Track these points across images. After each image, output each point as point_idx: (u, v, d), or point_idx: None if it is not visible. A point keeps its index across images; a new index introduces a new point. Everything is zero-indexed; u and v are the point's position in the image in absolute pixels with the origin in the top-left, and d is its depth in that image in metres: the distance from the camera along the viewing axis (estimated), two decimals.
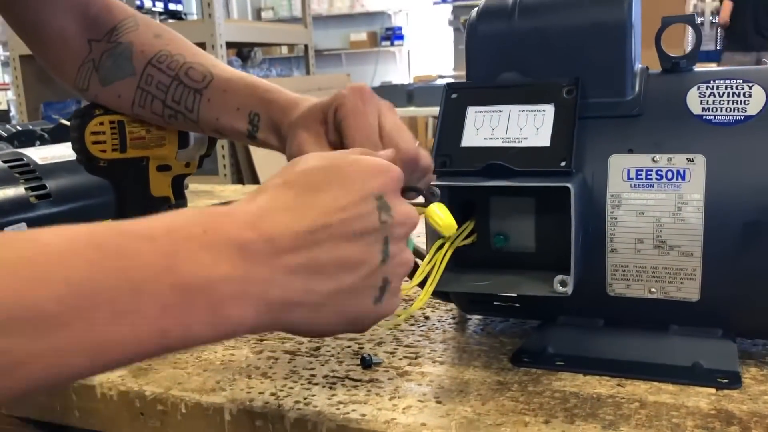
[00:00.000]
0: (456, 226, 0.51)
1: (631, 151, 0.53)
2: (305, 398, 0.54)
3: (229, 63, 2.99)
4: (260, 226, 0.37)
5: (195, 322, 0.33)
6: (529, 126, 0.54)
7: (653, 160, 0.52)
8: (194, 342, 0.34)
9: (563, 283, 0.50)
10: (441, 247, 0.54)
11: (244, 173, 2.81)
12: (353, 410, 0.52)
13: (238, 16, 7.50)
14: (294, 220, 0.38)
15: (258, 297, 0.36)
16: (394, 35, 7.63)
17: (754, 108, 0.51)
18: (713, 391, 0.52)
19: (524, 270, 0.55)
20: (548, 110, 0.54)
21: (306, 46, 3.36)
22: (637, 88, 0.55)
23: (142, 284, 0.31)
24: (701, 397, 0.51)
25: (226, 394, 0.56)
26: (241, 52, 4.70)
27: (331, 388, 0.56)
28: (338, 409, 0.52)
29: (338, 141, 0.57)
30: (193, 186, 1.87)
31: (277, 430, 0.53)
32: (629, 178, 0.52)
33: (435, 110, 4.59)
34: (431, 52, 7.50)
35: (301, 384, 0.57)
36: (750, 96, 0.51)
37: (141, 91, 0.62)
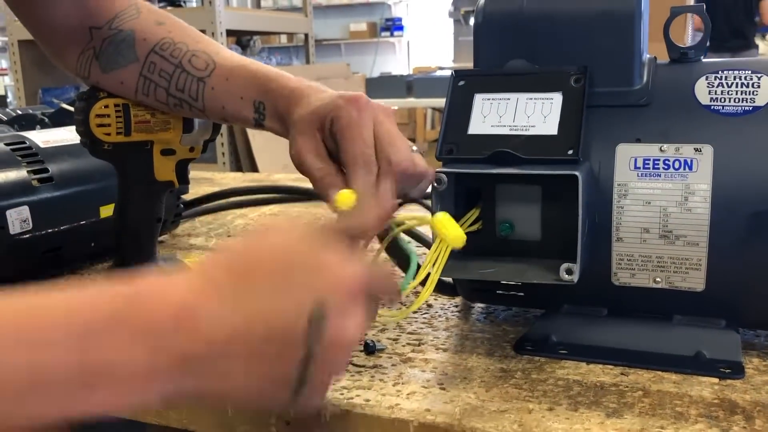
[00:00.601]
0: (465, 238, 0.51)
1: (639, 141, 0.53)
2: None
3: None
4: (211, 336, 0.35)
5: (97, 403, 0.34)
6: (536, 114, 0.54)
7: (661, 150, 0.52)
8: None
9: (569, 272, 0.50)
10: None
11: (243, 161, 2.80)
12: (357, 395, 0.52)
13: (237, 5, 7.48)
14: (214, 327, 0.35)
15: (159, 390, 0.35)
16: (393, 26, 7.61)
17: (762, 98, 0.51)
18: (716, 380, 0.52)
19: (529, 258, 0.55)
20: (556, 98, 0.54)
21: (306, 35, 3.35)
22: (645, 78, 0.54)
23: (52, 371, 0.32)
24: (704, 387, 0.51)
25: None
26: (240, 40, 4.68)
27: None
28: (342, 394, 0.52)
29: (335, 149, 0.57)
30: (192, 173, 1.87)
31: (282, 416, 0.53)
32: (636, 168, 0.52)
33: (434, 101, 4.59)
34: (431, 43, 7.49)
35: None
36: (758, 86, 0.51)
37: (144, 79, 0.62)
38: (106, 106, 0.61)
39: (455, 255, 0.55)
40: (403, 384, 0.53)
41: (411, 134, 6.65)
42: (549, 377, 0.54)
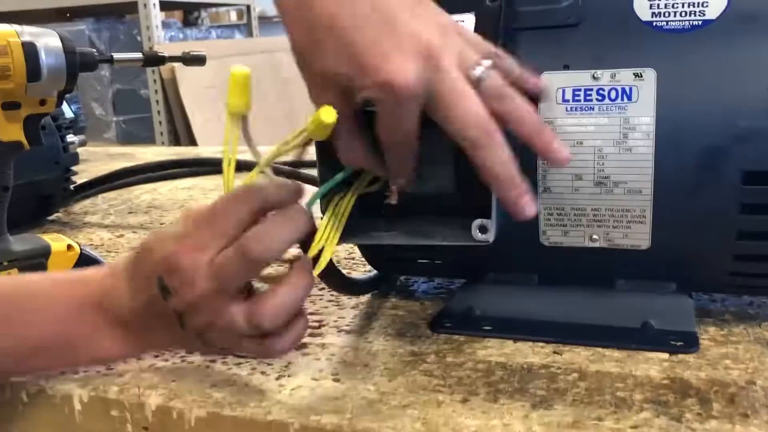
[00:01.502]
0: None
1: (567, 68, 0.43)
2: (174, 380, 0.44)
3: (166, 25, 2.82)
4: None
5: None
6: None
7: (593, 77, 0.42)
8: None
9: (483, 229, 0.41)
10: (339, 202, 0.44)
11: (183, 141, 2.66)
12: (229, 394, 0.42)
13: None
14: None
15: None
16: None
17: (714, 11, 0.41)
18: (666, 356, 0.43)
19: (442, 217, 0.46)
20: (468, 20, 0.44)
21: (248, 7, 3.21)
22: None
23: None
24: (651, 364, 0.42)
25: (78, 378, 0.45)
26: (188, 17, 4.52)
27: (207, 367, 0.45)
28: (210, 392, 0.42)
29: None
30: (114, 149, 1.74)
31: (138, 422, 0.43)
32: (564, 100, 0.43)
33: None
34: None
35: (173, 362, 0.46)
36: None
37: None
38: None
39: (356, 216, 0.45)
40: (288, 377, 0.43)
41: None
42: (467, 360, 0.44)
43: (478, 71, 0.37)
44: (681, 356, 0.43)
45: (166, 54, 0.63)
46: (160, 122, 2.65)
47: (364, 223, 0.46)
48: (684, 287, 0.46)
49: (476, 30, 0.44)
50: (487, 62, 0.37)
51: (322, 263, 0.42)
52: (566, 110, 0.43)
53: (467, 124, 0.36)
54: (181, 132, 2.71)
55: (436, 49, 0.36)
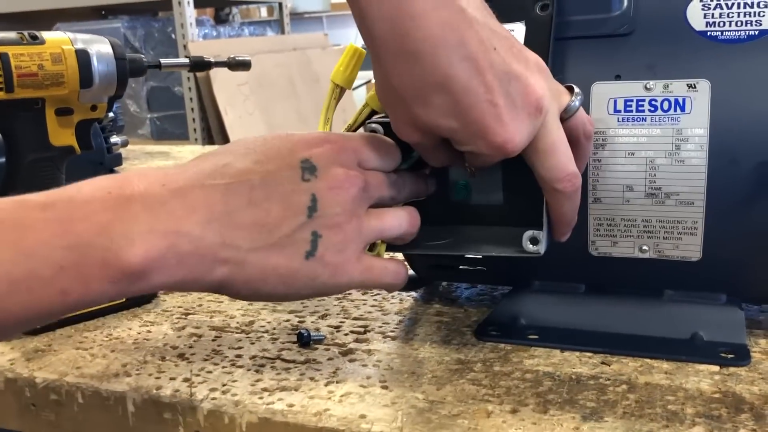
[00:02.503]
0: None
1: (619, 78, 0.43)
2: (224, 384, 0.45)
3: (199, 23, 2.85)
4: (170, 181, 0.36)
5: (93, 280, 0.33)
6: None
7: (646, 88, 0.42)
8: (97, 298, 0.34)
9: (534, 241, 0.41)
10: None
11: (216, 138, 2.69)
12: (279, 399, 0.42)
13: None
14: (208, 177, 0.37)
15: (165, 250, 0.34)
16: None
17: None
18: (716, 368, 0.43)
19: (490, 227, 0.46)
20: (518, 29, 0.44)
21: (280, 4, 3.22)
22: (626, 2, 0.44)
23: (34, 250, 0.32)
24: (702, 377, 0.42)
25: (130, 381, 0.46)
26: (219, 13, 4.58)
27: (257, 371, 0.46)
28: (261, 398, 0.43)
29: None
30: (150, 147, 1.76)
31: (190, 425, 0.43)
32: (616, 111, 0.42)
33: None
34: None
35: (223, 367, 0.47)
36: (766, 6, 0.41)
37: None
38: None
39: None
40: (337, 383, 0.44)
41: None
42: (515, 369, 0.44)
43: (572, 107, 0.39)
44: (732, 369, 0.43)
45: (212, 59, 0.63)
46: (193, 119, 2.68)
47: None
48: (734, 299, 0.46)
49: (526, 40, 0.44)
50: (576, 98, 0.39)
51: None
52: (618, 121, 0.42)
53: (562, 182, 0.38)
54: (213, 129, 2.73)
55: (543, 101, 0.37)
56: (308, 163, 0.39)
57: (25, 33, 0.53)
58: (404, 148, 0.43)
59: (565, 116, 0.38)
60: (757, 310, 0.50)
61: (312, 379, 0.45)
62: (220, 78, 2.63)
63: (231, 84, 2.68)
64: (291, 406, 0.42)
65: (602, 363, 0.44)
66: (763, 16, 0.41)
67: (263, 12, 7.81)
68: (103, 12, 2.99)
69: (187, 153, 1.42)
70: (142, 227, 0.34)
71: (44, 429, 0.48)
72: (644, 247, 0.44)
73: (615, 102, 0.42)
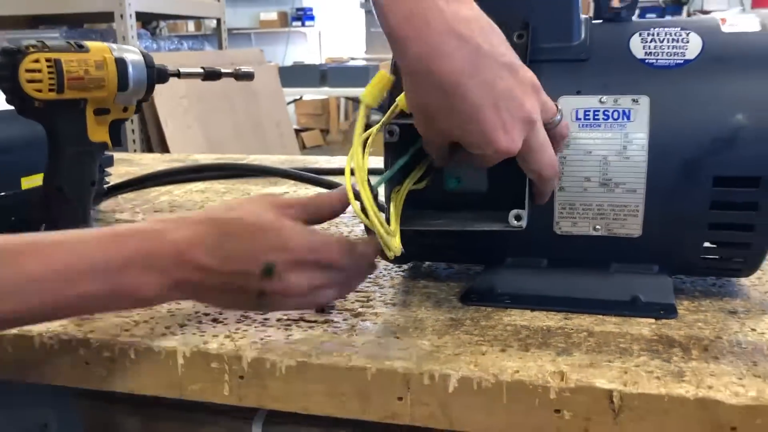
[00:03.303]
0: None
1: (580, 93, 0.55)
2: (261, 339, 0.54)
3: (140, 36, 2.88)
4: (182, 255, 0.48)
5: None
6: None
7: (600, 101, 0.54)
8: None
9: (518, 217, 0.52)
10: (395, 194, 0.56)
11: (155, 150, 2.72)
12: (313, 346, 0.52)
13: None
14: (202, 256, 0.48)
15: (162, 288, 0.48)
16: (305, 15, 7.54)
17: (692, 52, 0.54)
18: (653, 321, 0.55)
19: (476, 211, 0.57)
20: None
21: (218, 20, 3.28)
22: (583, 35, 0.57)
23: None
24: (643, 326, 0.54)
25: (177, 338, 0.54)
26: (146, 26, 4.56)
27: (287, 329, 0.55)
28: (297, 346, 0.52)
29: None
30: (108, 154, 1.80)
31: (235, 372, 0.52)
32: (578, 119, 0.54)
33: (348, 91, 4.57)
34: (343, 34, 7.47)
35: (255, 327, 0.56)
36: (688, 42, 0.54)
37: None
38: (37, 61, 0.57)
39: (406, 209, 0.56)
40: (357, 335, 0.54)
41: (324, 125, 6.62)
42: (497, 324, 0.55)
43: (556, 120, 0.51)
44: (664, 321, 0.55)
45: (222, 70, 0.72)
46: (132, 130, 2.70)
47: (413, 214, 0.57)
48: (664, 269, 0.58)
49: None
50: (559, 113, 0.51)
51: (398, 240, 0.52)
52: (579, 126, 0.54)
53: (546, 170, 0.50)
54: (153, 140, 2.76)
55: (534, 116, 0.48)
56: (269, 267, 0.49)
57: (72, 42, 0.61)
58: (403, 147, 0.54)
59: (550, 127, 0.50)
60: (678, 281, 0.63)
61: (335, 333, 0.54)
62: (161, 90, 2.66)
63: (173, 96, 2.73)
64: (322, 351, 0.51)
65: (565, 318, 0.56)
66: (686, 48, 0.54)
67: (191, 26, 7.78)
68: (40, 23, 2.97)
69: (149, 160, 1.48)
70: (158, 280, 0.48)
71: (96, 384, 0.56)
72: (597, 226, 0.56)
73: (577, 111, 0.54)
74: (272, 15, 7.60)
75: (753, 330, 0.53)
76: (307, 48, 7.64)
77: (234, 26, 7.18)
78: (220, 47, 3.35)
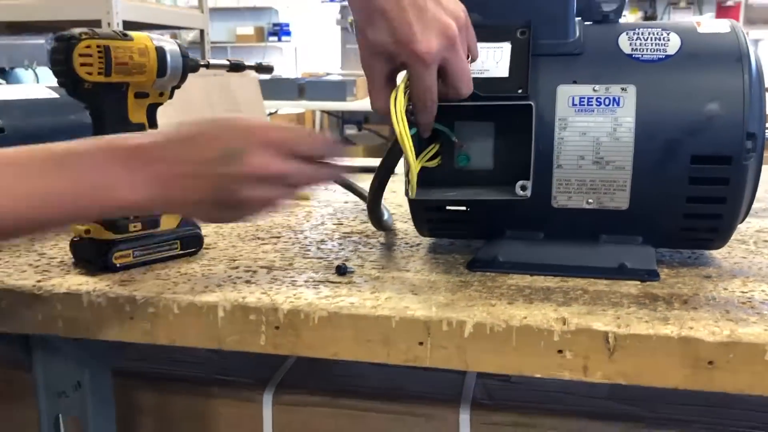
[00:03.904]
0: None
1: (575, 83, 0.62)
2: (294, 294, 0.60)
3: None
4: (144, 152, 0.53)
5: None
6: (489, 60, 0.63)
7: (594, 90, 0.62)
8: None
9: (524, 188, 0.59)
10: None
11: None
12: (341, 301, 0.58)
13: None
14: (166, 156, 0.53)
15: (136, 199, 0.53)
16: (281, 31, 7.62)
17: (672, 49, 0.62)
18: (638, 283, 0.63)
19: (484, 186, 0.64)
20: (505, 47, 0.63)
21: (202, 32, 3.33)
22: (578, 33, 0.65)
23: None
24: (630, 287, 0.62)
25: (217, 294, 0.60)
26: None
27: (315, 287, 0.62)
28: (326, 299, 0.59)
29: None
30: None
31: (271, 322, 0.58)
32: (574, 105, 0.62)
33: (325, 104, 4.61)
34: (319, 50, 7.56)
35: (287, 286, 0.62)
36: (668, 40, 0.63)
37: None
38: (89, 47, 0.63)
39: (419, 185, 0.63)
40: (379, 292, 0.60)
41: None
42: (503, 284, 0.62)
43: (472, 48, 0.59)
44: (648, 283, 0.63)
45: (245, 62, 0.79)
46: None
47: (428, 190, 0.64)
48: (648, 240, 0.66)
49: (511, 55, 0.63)
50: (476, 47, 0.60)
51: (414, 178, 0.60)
52: (575, 111, 0.62)
53: (466, 87, 0.58)
54: None
55: (453, 34, 0.56)
56: (229, 152, 0.53)
57: (118, 31, 0.67)
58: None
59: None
60: (660, 253, 0.71)
61: (359, 291, 0.61)
62: None
63: None
64: (352, 303, 0.58)
65: (561, 281, 0.63)
66: (667, 46, 0.62)
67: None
68: (23, 30, 3.00)
69: None
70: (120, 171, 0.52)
71: (140, 337, 0.62)
72: (590, 200, 0.64)
73: (573, 98, 0.62)
74: (249, 30, 7.66)
75: (725, 289, 0.61)
76: (283, 62, 7.71)
77: (212, 39, 7.22)
78: (203, 57, 3.39)
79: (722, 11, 5.76)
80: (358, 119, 6.08)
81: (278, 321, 0.58)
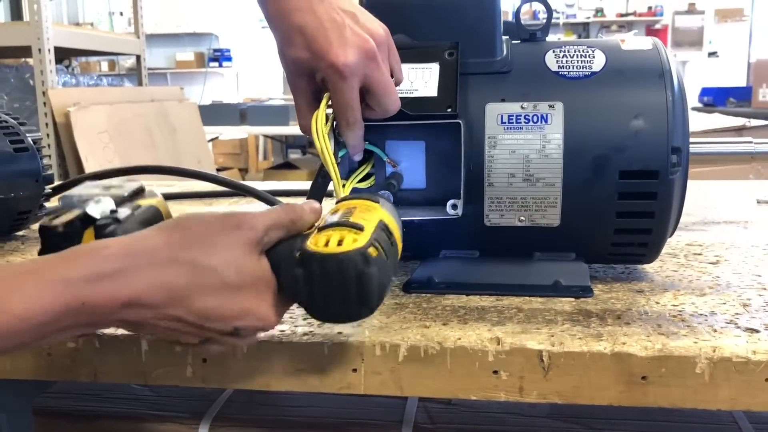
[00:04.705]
0: None
1: (504, 100, 0.62)
2: None
3: (59, 71, 2.85)
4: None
5: None
6: (418, 80, 0.62)
7: (522, 107, 0.62)
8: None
9: (454, 206, 0.59)
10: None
11: (70, 168, 2.67)
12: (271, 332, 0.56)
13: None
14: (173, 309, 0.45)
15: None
16: (222, 56, 7.58)
17: (597, 66, 0.63)
18: (572, 300, 0.62)
19: (416, 206, 0.63)
20: (434, 68, 0.63)
21: (138, 57, 3.28)
22: (505, 51, 0.65)
23: None
24: (564, 304, 0.61)
25: None
26: (57, 65, 4.48)
27: None
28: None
29: None
30: None
31: (198, 354, 0.56)
32: (503, 122, 0.62)
33: (268, 129, 4.62)
34: (260, 75, 7.54)
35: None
36: (594, 57, 0.63)
37: None
38: None
39: None
40: (311, 319, 0.58)
41: (243, 164, 6.61)
42: (437, 305, 0.61)
43: (396, 69, 0.59)
44: (582, 299, 0.62)
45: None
46: (50, 165, 2.65)
47: None
48: (580, 256, 0.66)
49: (440, 75, 0.63)
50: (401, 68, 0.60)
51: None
52: (504, 129, 0.62)
53: (392, 104, 0.58)
54: (72, 174, 2.72)
55: (371, 48, 0.56)
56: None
57: None
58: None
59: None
60: (593, 269, 0.71)
61: (290, 317, 0.59)
62: (80, 124, 2.64)
63: (92, 131, 2.70)
64: (282, 331, 0.56)
65: (497, 300, 0.63)
66: (592, 63, 0.63)
67: (104, 66, 7.66)
68: None
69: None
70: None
71: (60, 375, 0.58)
72: (522, 218, 0.63)
73: (502, 116, 0.62)
74: (189, 55, 7.59)
75: (657, 303, 0.61)
76: (224, 88, 7.66)
77: (150, 66, 7.13)
78: (140, 84, 3.34)
79: (651, 34, 6.10)
80: (302, 143, 6.07)
81: (207, 352, 0.56)
